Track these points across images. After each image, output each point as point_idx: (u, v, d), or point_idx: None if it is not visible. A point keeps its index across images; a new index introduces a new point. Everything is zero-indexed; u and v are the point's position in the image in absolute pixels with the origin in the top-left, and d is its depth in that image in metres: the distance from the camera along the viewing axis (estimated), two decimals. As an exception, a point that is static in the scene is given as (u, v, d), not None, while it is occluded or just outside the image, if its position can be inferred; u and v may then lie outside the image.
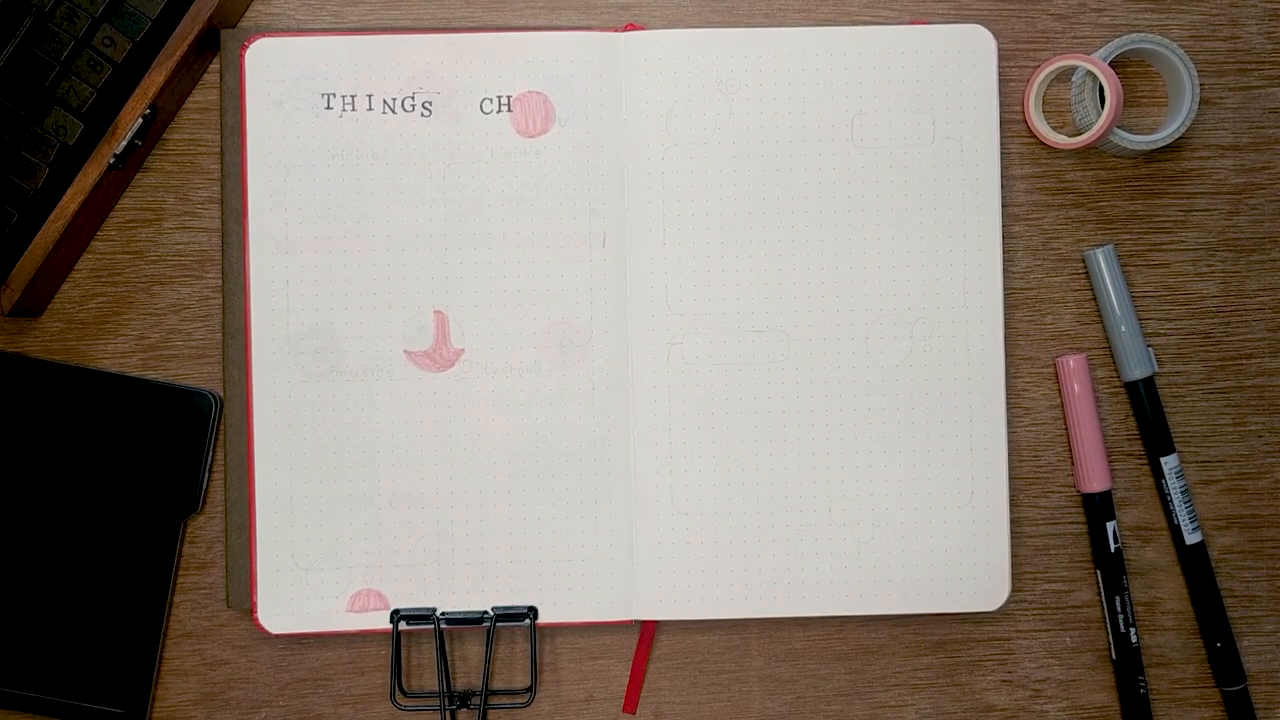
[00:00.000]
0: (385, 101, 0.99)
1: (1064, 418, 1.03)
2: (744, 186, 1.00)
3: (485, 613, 0.99)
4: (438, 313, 0.99)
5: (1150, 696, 1.03)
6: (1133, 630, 1.01)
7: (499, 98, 1.00)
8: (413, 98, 0.99)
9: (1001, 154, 1.01)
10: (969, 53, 1.00)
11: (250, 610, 0.99)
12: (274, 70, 0.99)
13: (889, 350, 1.00)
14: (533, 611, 0.99)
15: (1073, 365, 1.01)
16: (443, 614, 0.99)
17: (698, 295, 1.00)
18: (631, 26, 1.01)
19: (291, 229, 0.99)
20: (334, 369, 0.99)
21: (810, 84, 1.00)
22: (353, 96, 0.99)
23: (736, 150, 1.00)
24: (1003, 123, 1.02)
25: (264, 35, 0.99)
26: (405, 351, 0.99)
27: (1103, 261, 1.01)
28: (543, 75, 1.00)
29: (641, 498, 0.99)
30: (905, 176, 1.00)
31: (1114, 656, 1.02)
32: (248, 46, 0.99)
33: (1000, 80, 1.02)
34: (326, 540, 0.99)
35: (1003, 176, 1.02)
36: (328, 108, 0.99)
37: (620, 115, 1.00)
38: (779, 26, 1.01)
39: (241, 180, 0.99)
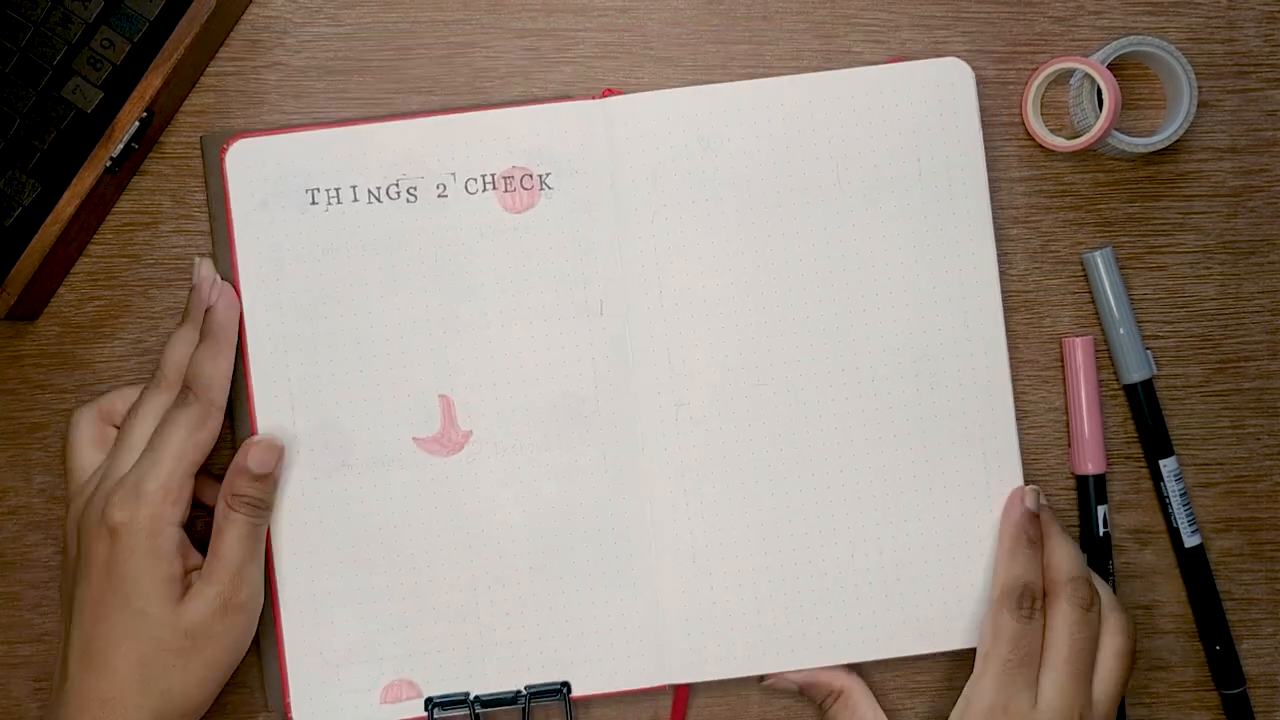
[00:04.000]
0: (370, 191, 0.99)
1: (1065, 399, 1.03)
2: (736, 241, 1.00)
3: (519, 692, 0.99)
4: (442, 397, 0.99)
5: (1149, 700, 1.04)
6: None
7: (483, 176, 0.99)
8: (396, 185, 0.99)
9: (999, 156, 1.02)
10: (947, 86, 1.00)
11: (284, 711, 0.99)
12: (255, 170, 0.99)
13: (896, 391, 1.00)
14: (565, 686, 0.99)
15: (1079, 346, 1.02)
16: (476, 698, 0.99)
17: (700, 354, 0.99)
18: (609, 92, 1.00)
19: (288, 326, 0.99)
20: (344, 463, 0.99)
21: (791, 133, 1.00)
22: (337, 189, 0.99)
23: (725, 205, 1.00)
24: (1000, 125, 1.03)
25: (243, 136, 0.99)
26: (414, 439, 0.99)
27: (1101, 264, 1.02)
28: (524, 150, 0.99)
29: (663, 561, 0.99)
30: (895, 217, 1.00)
31: None
32: (227, 149, 0.98)
33: (998, 83, 1.03)
34: (354, 634, 0.99)
35: (1000, 179, 1.02)
36: (313, 203, 0.99)
37: (606, 181, 1.00)
38: (758, 78, 1.01)
39: (234, 284, 0.99)
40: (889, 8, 1.03)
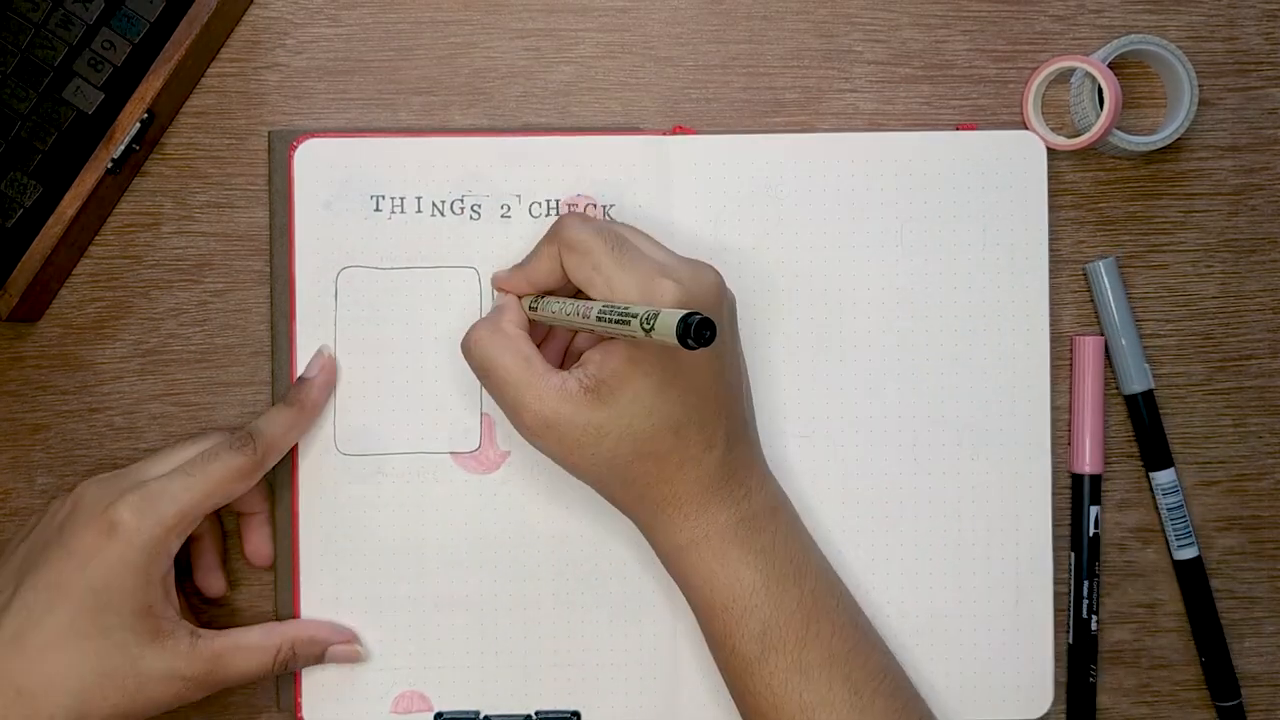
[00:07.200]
0: (434, 204, 0.99)
1: (1069, 397, 1.03)
2: (790, 291, 1.00)
3: (529, 716, 0.99)
4: (485, 415, 0.99)
5: (1151, 699, 1.04)
6: (1094, 618, 1.01)
7: (547, 201, 0.99)
8: (461, 200, 0.99)
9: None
10: (1019, 160, 1.00)
11: (295, 710, 0.99)
12: (323, 171, 0.98)
13: (936, 457, 1.00)
14: (576, 716, 0.99)
15: (1089, 346, 1.02)
16: (486, 717, 0.99)
17: (744, 399, 0.99)
18: (679, 129, 1.00)
19: (340, 329, 0.99)
20: (380, 471, 0.99)
21: (860, 189, 1.00)
22: (401, 198, 0.99)
23: (783, 254, 1.00)
24: (1001, 125, 1.03)
25: (313, 136, 0.99)
26: (451, 454, 0.99)
27: (1104, 273, 1.02)
28: (591, 179, 0.99)
29: (685, 602, 0.99)
30: (954, 283, 1.00)
31: (1070, 642, 1.02)
32: (296, 147, 0.98)
33: (998, 82, 1.03)
34: (371, 641, 0.99)
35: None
36: (376, 210, 0.99)
37: (668, 218, 1.00)
38: (828, 131, 1.01)
39: (290, 281, 0.99)
40: (889, 7, 1.03)
